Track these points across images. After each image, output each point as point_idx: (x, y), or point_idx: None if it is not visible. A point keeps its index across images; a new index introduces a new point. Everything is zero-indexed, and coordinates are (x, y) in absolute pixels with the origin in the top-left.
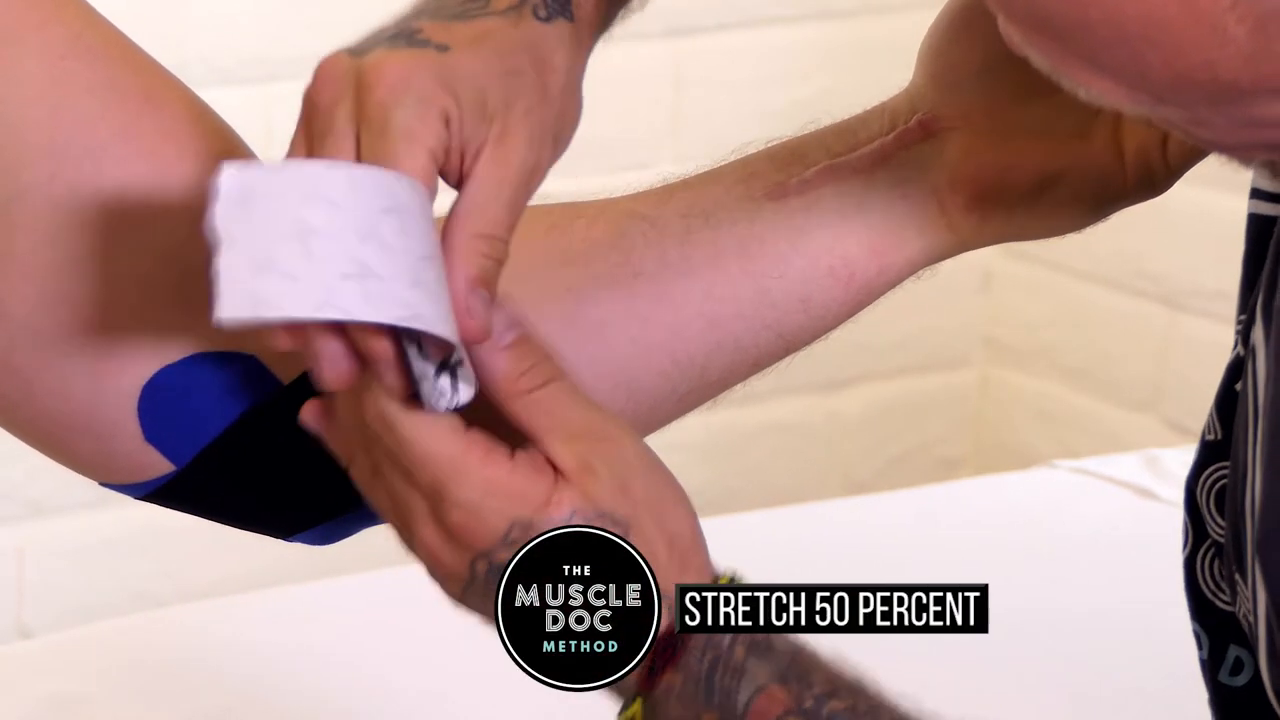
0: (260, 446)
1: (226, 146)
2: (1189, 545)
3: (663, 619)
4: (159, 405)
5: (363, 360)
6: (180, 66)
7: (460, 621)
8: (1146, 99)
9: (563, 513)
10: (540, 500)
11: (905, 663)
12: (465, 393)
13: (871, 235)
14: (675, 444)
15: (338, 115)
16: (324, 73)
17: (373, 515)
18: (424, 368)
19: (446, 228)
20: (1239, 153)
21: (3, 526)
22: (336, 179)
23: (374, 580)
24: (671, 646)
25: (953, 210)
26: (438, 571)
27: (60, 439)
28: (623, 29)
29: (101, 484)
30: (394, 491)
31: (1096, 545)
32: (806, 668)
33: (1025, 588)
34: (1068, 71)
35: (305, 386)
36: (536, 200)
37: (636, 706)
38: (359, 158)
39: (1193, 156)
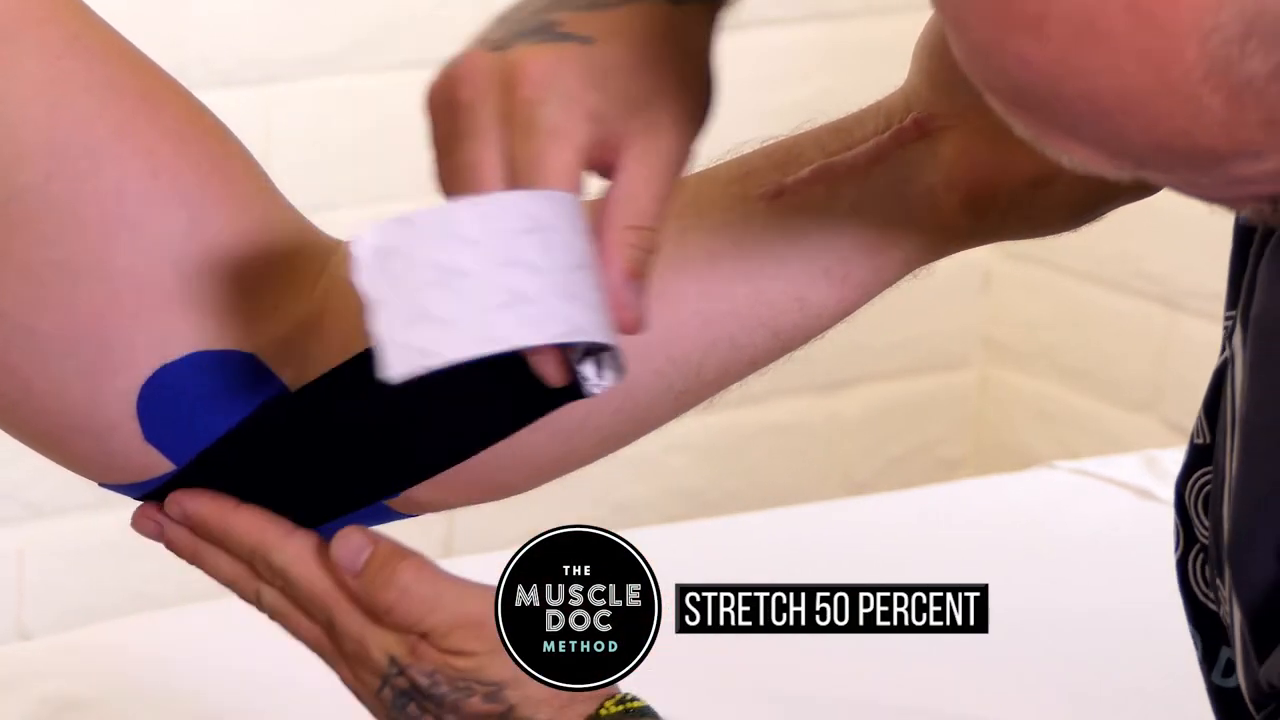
0: (260, 448)
1: (223, 146)
2: (1180, 548)
3: None
4: (158, 404)
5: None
6: (179, 68)
7: None
8: (1129, 164)
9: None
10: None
11: (905, 663)
12: (616, 377)
13: (867, 234)
14: (675, 445)
15: (482, 113)
16: (465, 69)
17: (372, 517)
18: (577, 357)
19: (599, 222)
20: (1226, 204)
21: (3, 527)
22: (465, 216)
23: None
24: None
25: (948, 209)
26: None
27: (59, 438)
28: None
29: (101, 484)
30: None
31: (1096, 546)
32: None
33: (1025, 588)
34: (1049, 141)
35: (312, 391)
36: None
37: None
38: (506, 157)
39: None
